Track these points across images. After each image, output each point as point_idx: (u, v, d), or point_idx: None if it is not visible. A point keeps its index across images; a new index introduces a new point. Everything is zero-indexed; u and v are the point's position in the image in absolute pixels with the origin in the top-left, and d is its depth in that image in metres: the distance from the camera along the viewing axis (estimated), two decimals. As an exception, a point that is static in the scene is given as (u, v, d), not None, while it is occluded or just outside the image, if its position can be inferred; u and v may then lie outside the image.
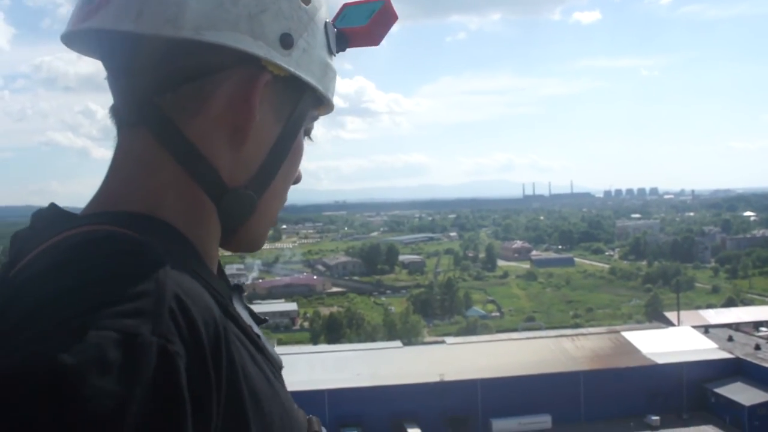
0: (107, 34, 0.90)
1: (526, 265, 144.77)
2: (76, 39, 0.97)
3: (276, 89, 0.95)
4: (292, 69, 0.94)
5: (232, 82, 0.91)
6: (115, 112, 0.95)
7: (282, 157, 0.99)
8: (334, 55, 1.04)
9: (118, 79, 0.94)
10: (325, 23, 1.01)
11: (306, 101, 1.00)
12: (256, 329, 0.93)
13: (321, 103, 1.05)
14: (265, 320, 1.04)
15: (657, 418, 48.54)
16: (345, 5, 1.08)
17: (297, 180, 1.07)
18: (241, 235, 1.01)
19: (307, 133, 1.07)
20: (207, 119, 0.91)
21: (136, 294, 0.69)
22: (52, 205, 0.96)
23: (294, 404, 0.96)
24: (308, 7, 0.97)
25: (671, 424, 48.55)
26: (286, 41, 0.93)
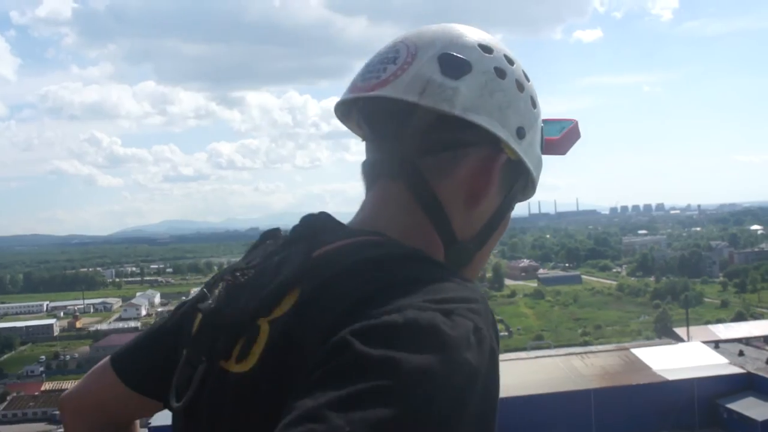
0: (388, 102, 1.12)
1: (534, 284, 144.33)
2: (343, 106, 1.24)
3: (506, 169, 1.17)
4: (521, 155, 1.17)
5: (478, 156, 1.14)
6: (373, 167, 1.19)
7: (497, 224, 1.22)
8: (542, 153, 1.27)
9: (384, 140, 1.16)
10: (542, 127, 1.25)
11: (521, 183, 1.23)
12: None
13: (528, 188, 1.27)
14: None
15: (669, 435, 48.13)
16: (544, 120, 1.29)
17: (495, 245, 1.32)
18: None
19: (512, 209, 1.27)
20: (453, 182, 1.13)
21: (472, 296, 0.91)
22: (325, 213, 1.17)
23: None
24: (535, 111, 1.22)
25: (684, 441, 48.10)
26: (521, 133, 1.16)
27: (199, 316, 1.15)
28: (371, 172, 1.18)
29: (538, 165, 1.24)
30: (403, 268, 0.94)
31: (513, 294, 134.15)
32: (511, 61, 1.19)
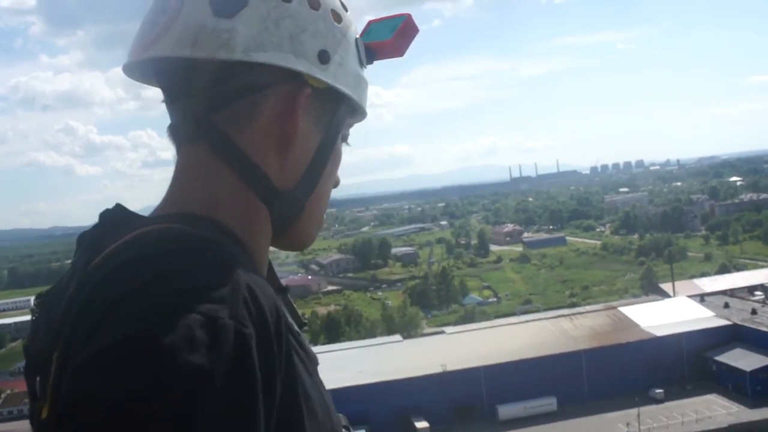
0: (165, 61, 1.04)
1: (519, 248, 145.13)
2: (135, 69, 1.13)
3: (316, 100, 1.08)
4: (329, 81, 1.08)
5: (278, 96, 1.05)
6: (174, 131, 1.10)
7: (324, 161, 1.13)
8: (365, 68, 1.18)
9: (175, 101, 1.08)
10: (356, 39, 1.16)
11: (343, 110, 1.14)
12: (295, 328, 1.03)
13: (356, 111, 1.19)
14: (305, 323, 1.16)
15: (661, 390, 48.83)
16: (370, 22, 1.22)
17: (336, 184, 1.21)
18: (292, 234, 1.16)
19: (344, 139, 1.19)
20: (257, 131, 1.05)
21: (215, 283, 0.82)
22: (118, 206, 1.09)
23: (330, 399, 1.04)
24: (340, 26, 1.11)
25: (676, 395, 48.85)
26: (324, 57, 1.07)
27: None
28: (173, 138, 1.11)
29: (358, 84, 1.15)
30: (151, 267, 0.84)
31: (499, 259, 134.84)
32: None
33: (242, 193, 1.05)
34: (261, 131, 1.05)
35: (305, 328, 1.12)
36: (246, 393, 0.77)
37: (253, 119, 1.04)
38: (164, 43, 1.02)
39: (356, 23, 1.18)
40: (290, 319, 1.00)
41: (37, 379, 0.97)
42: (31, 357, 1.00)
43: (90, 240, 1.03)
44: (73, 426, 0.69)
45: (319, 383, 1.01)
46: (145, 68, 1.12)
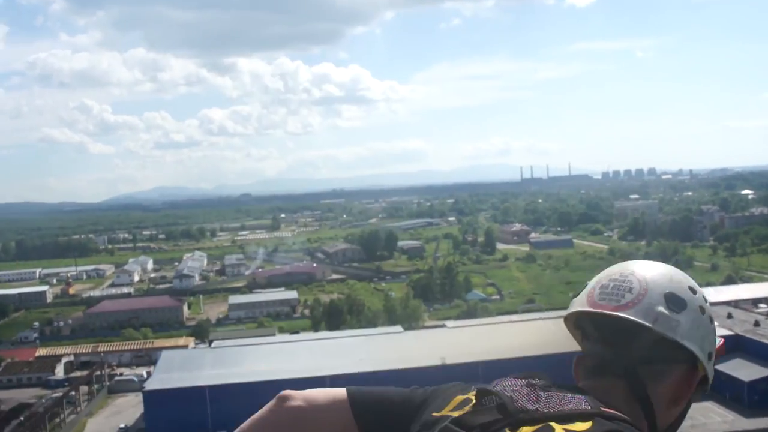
0: (623, 321, 1.61)
1: (525, 248, 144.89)
2: (578, 317, 1.76)
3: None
4: (708, 372, 1.65)
5: (682, 370, 1.62)
6: (600, 364, 1.65)
7: (683, 417, 1.69)
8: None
9: (610, 346, 1.64)
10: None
11: (701, 387, 1.70)
12: None
13: (704, 388, 1.72)
14: None
15: (658, 395, 48.69)
16: None
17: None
18: None
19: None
20: (662, 388, 1.61)
21: None
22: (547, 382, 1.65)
23: None
24: (717, 339, 1.70)
25: (672, 401, 48.71)
26: (710, 356, 1.65)
27: (459, 398, 1.63)
28: (597, 368, 1.65)
29: (713, 371, 1.69)
30: None
31: (505, 258, 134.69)
32: (705, 299, 1.69)
33: (641, 423, 1.55)
34: (665, 389, 1.60)
35: None
36: None
37: (664, 380, 1.60)
38: (635, 311, 1.59)
39: None
40: None
41: None
42: (512, 409, 1.48)
43: (566, 387, 1.62)
44: None
45: None
46: (581, 318, 1.73)
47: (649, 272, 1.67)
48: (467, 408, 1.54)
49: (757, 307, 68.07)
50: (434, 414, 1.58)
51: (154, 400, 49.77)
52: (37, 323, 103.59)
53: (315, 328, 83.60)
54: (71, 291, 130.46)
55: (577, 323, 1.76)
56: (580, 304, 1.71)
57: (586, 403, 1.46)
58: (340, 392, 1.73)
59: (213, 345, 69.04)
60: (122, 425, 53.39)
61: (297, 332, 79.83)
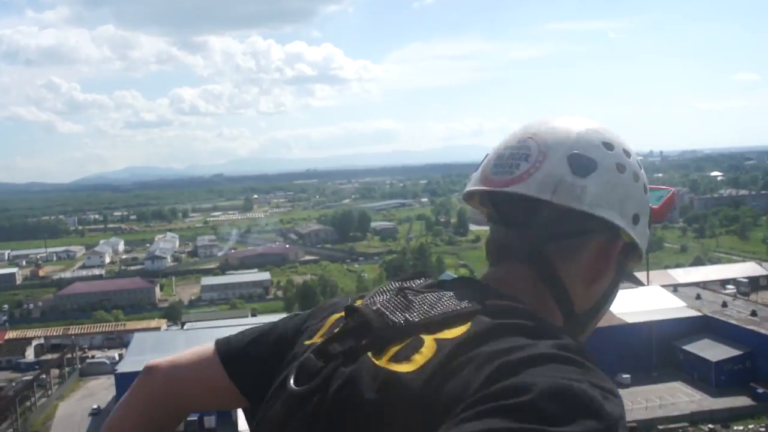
0: (514, 196, 1.31)
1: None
2: (475, 195, 1.44)
3: (620, 251, 1.36)
4: (635, 238, 1.35)
5: (598, 242, 1.33)
6: (501, 248, 1.36)
7: (611, 296, 1.40)
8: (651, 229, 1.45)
9: (512, 227, 1.35)
10: (651, 208, 1.44)
11: (632, 257, 1.41)
12: None
13: (637, 259, 1.44)
14: None
15: (628, 376, 49.33)
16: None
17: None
18: None
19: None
20: (576, 265, 1.32)
21: (609, 381, 1.04)
22: (472, 279, 1.36)
23: None
24: (647, 195, 1.41)
25: (642, 381, 49.42)
26: (635, 219, 1.35)
27: (333, 317, 1.33)
28: (499, 253, 1.37)
29: (647, 239, 1.42)
30: (574, 350, 1.09)
31: (477, 239, 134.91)
32: (628, 154, 1.37)
33: (552, 310, 1.30)
34: (579, 266, 1.32)
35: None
36: None
37: (575, 256, 1.31)
38: (529, 184, 1.29)
39: None
40: None
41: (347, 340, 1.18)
42: (383, 322, 1.18)
43: (466, 283, 1.31)
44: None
45: None
46: (483, 196, 1.42)
47: (553, 133, 1.35)
48: (336, 331, 1.25)
49: (725, 288, 69.19)
50: (306, 342, 1.32)
51: (126, 382, 48.66)
52: (6, 306, 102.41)
53: (288, 309, 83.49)
54: (41, 273, 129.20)
55: (482, 202, 1.46)
56: (474, 180, 1.42)
57: (468, 302, 1.17)
58: (208, 348, 1.48)
59: (185, 327, 68.68)
60: (95, 407, 53.10)
61: (253, 314, 79.76)
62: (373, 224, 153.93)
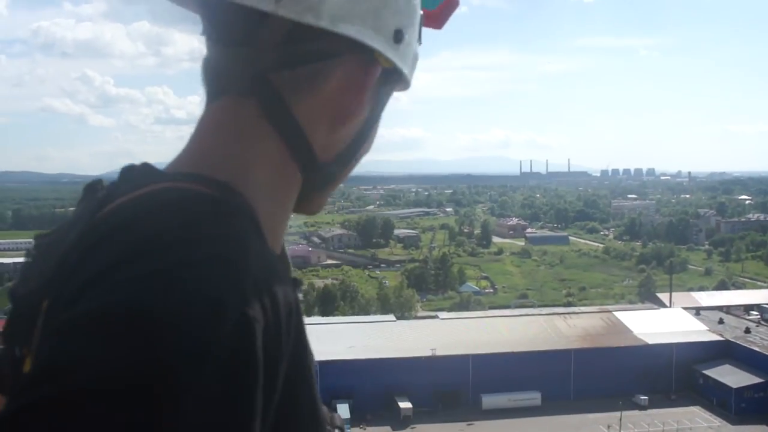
0: (231, 3, 0.92)
1: (521, 243, 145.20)
2: None
3: (377, 79, 1.01)
4: (397, 63, 1.01)
5: (346, 69, 0.97)
6: (217, 77, 1.00)
7: (366, 138, 1.07)
8: (420, 45, 1.10)
9: (229, 46, 0.97)
10: (421, 15, 1.09)
11: (390, 87, 1.07)
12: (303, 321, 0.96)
13: (400, 85, 1.11)
14: (301, 283, 1.06)
15: (645, 398, 49.06)
16: None
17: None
18: (310, 202, 1.09)
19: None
20: (315, 100, 0.97)
21: (226, 257, 0.75)
22: (146, 164, 0.97)
23: (320, 399, 1.00)
24: (415, 2, 1.05)
25: (659, 404, 49.10)
26: (398, 36, 1.00)
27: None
28: (215, 82, 1.01)
29: (414, 61, 1.09)
30: (149, 226, 0.78)
31: (500, 252, 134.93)
32: None
33: (281, 161, 0.97)
34: (321, 102, 0.97)
35: (299, 292, 1.00)
36: (241, 381, 0.70)
37: (315, 88, 0.97)
38: None
39: None
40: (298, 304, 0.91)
41: (17, 324, 0.91)
42: (17, 301, 0.94)
43: (104, 191, 0.95)
44: (48, 390, 0.64)
45: (313, 378, 0.96)
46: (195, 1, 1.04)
47: None
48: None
49: (749, 314, 68.42)
50: None
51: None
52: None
53: (308, 312, 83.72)
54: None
55: (196, 9, 1.06)
56: None
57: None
58: None
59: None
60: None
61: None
62: (397, 231, 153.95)
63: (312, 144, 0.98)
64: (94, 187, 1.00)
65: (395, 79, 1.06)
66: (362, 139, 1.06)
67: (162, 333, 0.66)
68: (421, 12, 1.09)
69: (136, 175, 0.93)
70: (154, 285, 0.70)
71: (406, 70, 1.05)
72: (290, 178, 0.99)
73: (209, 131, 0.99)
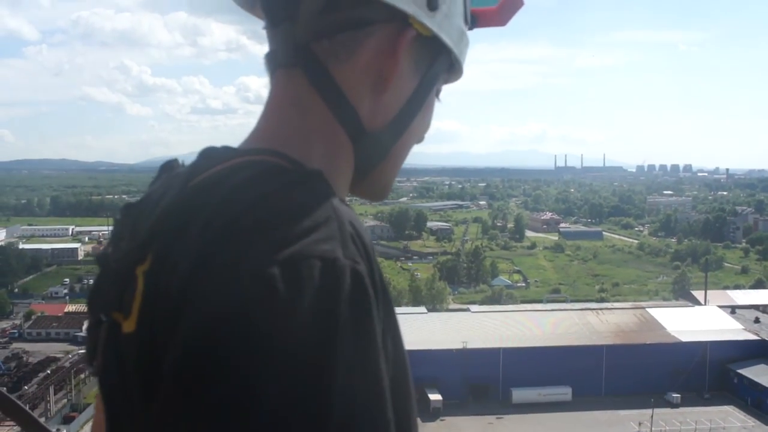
0: None
1: (555, 237, 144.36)
2: None
3: (418, 46, 1.02)
4: (434, 30, 1.02)
5: (382, 35, 1.00)
6: (272, 56, 1.06)
7: (416, 109, 1.07)
8: (468, 27, 1.11)
9: (277, 26, 1.03)
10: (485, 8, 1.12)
11: (441, 62, 1.08)
12: None
13: (453, 68, 1.13)
14: None
15: (678, 395, 48.62)
16: None
17: (420, 140, 1.15)
18: (372, 180, 1.10)
19: (437, 93, 1.13)
20: (356, 66, 1.00)
21: (323, 220, 0.80)
22: (224, 146, 1.01)
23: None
24: None
25: (692, 402, 48.63)
26: (433, 3, 1.00)
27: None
28: (269, 63, 1.08)
29: (461, 39, 1.09)
30: (251, 204, 0.81)
31: (533, 246, 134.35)
32: None
33: (331, 129, 1.01)
34: (360, 67, 1.00)
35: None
36: (369, 331, 0.76)
37: (354, 54, 1.00)
38: None
39: None
40: None
41: (107, 290, 0.93)
42: (109, 265, 0.96)
43: (185, 167, 1.01)
44: (204, 368, 0.70)
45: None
46: None
47: None
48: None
49: (786, 314, 67.34)
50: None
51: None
52: (67, 279, 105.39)
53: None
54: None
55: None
56: None
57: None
58: None
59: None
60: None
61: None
62: (430, 224, 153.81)
63: (357, 109, 1.01)
64: (171, 165, 1.05)
65: (441, 52, 1.07)
66: (413, 111, 1.06)
67: (296, 309, 0.72)
68: (482, 8, 1.13)
69: (216, 153, 0.97)
70: (276, 261, 0.74)
71: (449, 43, 1.05)
72: (342, 147, 1.02)
73: (271, 108, 1.04)
